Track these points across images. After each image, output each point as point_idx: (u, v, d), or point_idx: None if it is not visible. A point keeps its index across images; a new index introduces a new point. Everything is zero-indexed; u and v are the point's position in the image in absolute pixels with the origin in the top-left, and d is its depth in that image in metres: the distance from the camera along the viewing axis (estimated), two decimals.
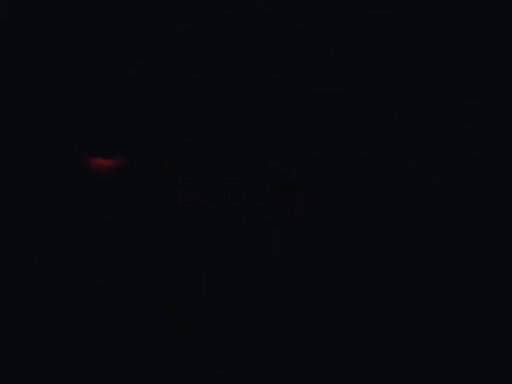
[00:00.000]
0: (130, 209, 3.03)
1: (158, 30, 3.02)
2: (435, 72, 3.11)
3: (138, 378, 2.89)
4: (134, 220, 3.08)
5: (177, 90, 3.14)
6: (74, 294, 2.98)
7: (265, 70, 3.13)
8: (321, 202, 3.11)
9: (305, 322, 2.99)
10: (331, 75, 3.12)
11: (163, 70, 3.11)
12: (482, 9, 3.08)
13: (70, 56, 2.74)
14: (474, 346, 2.94)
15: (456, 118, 3.09)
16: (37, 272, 2.94)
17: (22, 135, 2.66)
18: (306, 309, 3.01)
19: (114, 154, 2.75)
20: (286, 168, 3.12)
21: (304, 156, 3.11)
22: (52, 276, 2.96)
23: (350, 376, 2.91)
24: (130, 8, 3.11)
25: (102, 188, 2.86)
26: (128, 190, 2.80)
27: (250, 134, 3.11)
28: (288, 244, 3.08)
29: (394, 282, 3.03)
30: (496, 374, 2.89)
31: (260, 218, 3.10)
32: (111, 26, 2.85)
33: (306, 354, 2.95)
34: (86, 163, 2.78)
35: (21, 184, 2.80)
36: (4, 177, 2.76)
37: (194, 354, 2.94)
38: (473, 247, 3.03)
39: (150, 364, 2.91)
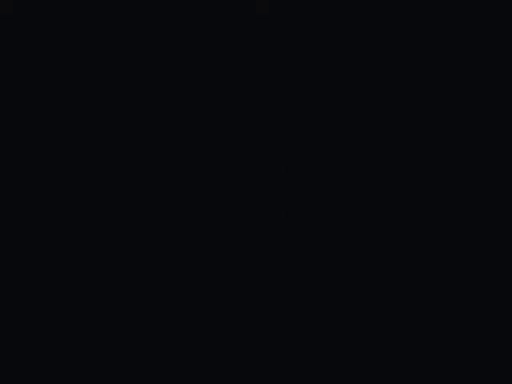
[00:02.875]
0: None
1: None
2: (435, 72, 3.11)
3: (138, 377, 2.89)
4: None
5: (177, 90, 3.14)
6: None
7: (265, 69, 3.13)
8: (319, 200, 3.11)
9: (304, 321, 3.00)
10: (331, 75, 3.13)
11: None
12: (481, 9, 3.09)
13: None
14: (474, 345, 2.95)
15: (456, 118, 3.10)
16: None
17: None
18: (305, 308, 3.02)
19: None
20: (286, 168, 3.12)
21: (303, 155, 3.12)
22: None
23: (350, 375, 2.92)
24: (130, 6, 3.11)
25: None
26: None
27: (252, 134, 3.12)
28: (288, 244, 3.08)
29: (393, 281, 3.03)
30: (496, 373, 2.90)
31: (260, 217, 3.10)
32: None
33: (305, 352, 2.95)
34: None
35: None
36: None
37: (194, 353, 2.94)
38: (472, 247, 3.04)
39: (150, 364, 2.91)
